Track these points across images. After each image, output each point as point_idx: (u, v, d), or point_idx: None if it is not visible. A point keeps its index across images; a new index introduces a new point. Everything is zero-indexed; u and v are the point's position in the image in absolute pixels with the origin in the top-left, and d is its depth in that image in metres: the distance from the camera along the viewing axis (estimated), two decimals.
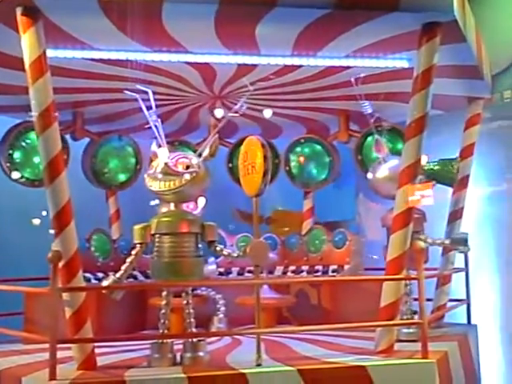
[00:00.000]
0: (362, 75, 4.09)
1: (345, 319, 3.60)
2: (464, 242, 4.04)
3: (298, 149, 5.69)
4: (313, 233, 5.33)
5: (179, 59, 4.13)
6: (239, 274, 5.08)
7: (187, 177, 3.34)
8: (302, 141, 5.69)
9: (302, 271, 5.14)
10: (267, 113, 3.74)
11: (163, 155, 3.41)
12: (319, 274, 5.03)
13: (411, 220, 3.47)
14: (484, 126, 5.70)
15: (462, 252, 4.37)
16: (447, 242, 4.15)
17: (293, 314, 4.92)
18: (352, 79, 4.11)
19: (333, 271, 4.98)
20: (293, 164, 5.68)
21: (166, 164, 3.38)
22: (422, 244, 3.38)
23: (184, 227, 3.36)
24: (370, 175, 4.36)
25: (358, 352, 3.44)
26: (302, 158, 5.67)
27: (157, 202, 3.84)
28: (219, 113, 3.64)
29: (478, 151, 4.92)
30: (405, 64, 4.21)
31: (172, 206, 3.47)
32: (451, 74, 4.33)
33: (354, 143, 5.39)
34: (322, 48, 3.98)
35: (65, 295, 3.11)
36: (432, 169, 4.02)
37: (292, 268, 5.22)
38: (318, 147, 5.67)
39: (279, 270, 5.19)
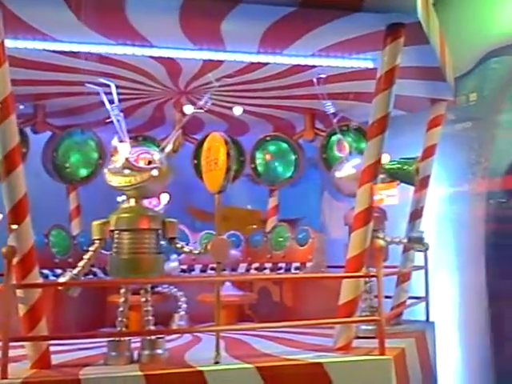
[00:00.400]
0: (323, 75, 4.12)
1: (307, 316, 3.60)
2: (420, 240, 4.13)
3: (264, 146, 5.72)
4: (277, 230, 5.35)
5: (143, 53, 4.07)
6: (202, 271, 5.04)
7: (155, 173, 3.30)
8: (268, 139, 5.71)
9: (265, 269, 5.15)
10: (237, 110, 3.72)
11: (124, 150, 3.36)
12: (282, 271, 5.05)
13: (371, 218, 3.51)
14: (448, 128, 5.81)
15: (418, 250, 4.45)
16: (405, 240, 4.24)
17: (255, 312, 4.91)
18: (314, 79, 4.13)
19: (295, 269, 5.01)
20: (258, 162, 5.69)
21: (126, 159, 3.34)
22: (381, 242, 3.42)
23: (144, 223, 3.32)
24: (333, 174, 4.40)
25: (317, 349, 3.45)
26: (267, 156, 5.69)
27: (124, 197, 3.78)
28: (188, 109, 3.61)
29: (441, 152, 4.99)
30: (370, 64, 4.25)
31: (132, 202, 3.42)
32: (415, 75, 4.38)
33: (320, 142, 5.43)
34: (288, 46, 3.98)
35: (19, 292, 3.03)
36: (391, 168, 4.08)
37: (255, 265, 5.21)
38: (284, 145, 5.70)
39: (243, 267, 5.18)
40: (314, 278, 4.61)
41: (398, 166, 4.08)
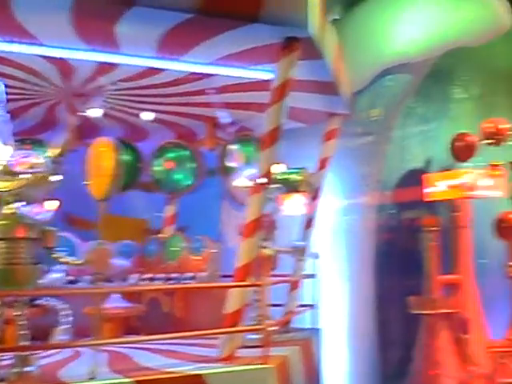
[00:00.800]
0: (216, 86, 4.11)
1: (198, 327, 3.54)
2: (303, 250, 4.23)
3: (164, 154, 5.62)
4: (172, 240, 5.25)
5: (32, 51, 3.87)
6: (91, 282, 4.79)
7: (53, 178, 3.15)
8: (168, 146, 5.62)
9: (157, 279, 5.00)
10: (146, 116, 3.60)
11: (4, 153, 3.16)
12: (174, 281, 4.93)
13: (260, 228, 3.52)
14: (349, 142, 6.01)
15: (300, 260, 4.53)
16: (288, 250, 4.31)
17: (144, 324, 4.73)
18: (208, 89, 4.11)
19: (189, 279, 4.91)
20: (157, 169, 5.57)
21: (5, 163, 3.14)
22: (267, 251, 3.44)
23: (20, 232, 3.12)
24: (230, 183, 4.41)
25: (201, 360, 3.41)
26: (167, 163, 5.59)
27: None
28: (93, 112, 3.44)
29: (340, 165, 5.12)
30: (270, 76, 4.27)
31: (9, 209, 3.20)
32: (310, 88, 4.47)
33: (219, 151, 5.42)
34: (186, 53, 3.94)
35: None
36: (280, 178, 4.15)
37: (148, 276, 5.05)
38: (184, 153, 5.63)
39: (134, 277, 4.99)
40: (199, 288, 4.52)
41: (285, 176, 4.16)
